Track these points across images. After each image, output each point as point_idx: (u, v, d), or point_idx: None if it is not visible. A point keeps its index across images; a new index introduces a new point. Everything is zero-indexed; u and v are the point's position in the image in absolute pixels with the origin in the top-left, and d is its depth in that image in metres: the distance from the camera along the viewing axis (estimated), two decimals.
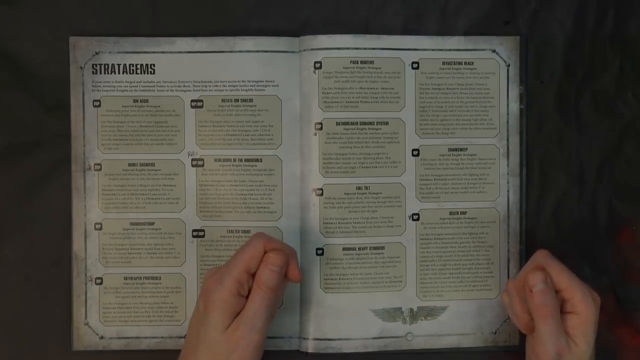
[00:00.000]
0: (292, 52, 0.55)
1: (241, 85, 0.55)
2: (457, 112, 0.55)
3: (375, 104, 0.55)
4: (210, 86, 0.55)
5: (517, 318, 0.49)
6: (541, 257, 0.49)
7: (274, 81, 0.55)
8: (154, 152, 0.55)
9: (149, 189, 0.55)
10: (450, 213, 0.55)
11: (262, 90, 0.55)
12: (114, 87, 0.55)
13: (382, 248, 0.55)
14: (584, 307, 0.47)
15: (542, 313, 0.46)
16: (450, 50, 0.55)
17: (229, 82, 0.55)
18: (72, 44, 0.55)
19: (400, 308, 0.55)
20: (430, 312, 0.55)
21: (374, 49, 0.55)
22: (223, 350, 0.46)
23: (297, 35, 0.55)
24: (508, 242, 0.56)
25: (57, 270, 0.55)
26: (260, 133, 0.55)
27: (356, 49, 0.54)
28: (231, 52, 0.55)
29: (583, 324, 0.47)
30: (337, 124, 0.54)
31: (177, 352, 0.50)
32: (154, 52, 0.55)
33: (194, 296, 0.55)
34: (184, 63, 0.55)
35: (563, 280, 0.47)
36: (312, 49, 0.54)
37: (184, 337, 0.50)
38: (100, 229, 0.55)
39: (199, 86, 0.55)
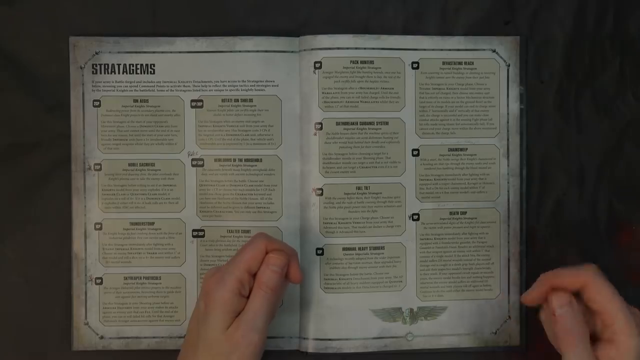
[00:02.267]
0: (292, 52, 0.55)
1: (241, 85, 0.55)
2: (457, 112, 0.55)
3: (375, 104, 0.55)
4: (210, 86, 0.55)
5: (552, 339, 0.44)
6: (586, 271, 0.43)
7: (274, 81, 0.55)
8: (154, 152, 0.55)
9: (149, 189, 0.55)
10: (450, 213, 0.55)
11: (262, 90, 0.55)
12: (114, 87, 0.55)
13: (382, 248, 0.55)
14: (624, 337, 0.41)
15: (566, 339, 0.41)
16: (450, 50, 0.55)
17: (229, 82, 0.55)
18: (72, 44, 0.55)
19: (400, 308, 0.55)
20: (430, 312, 0.55)
21: (374, 49, 0.55)
22: (223, 350, 0.46)
23: (297, 35, 0.55)
24: (508, 242, 0.56)
25: (57, 270, 0.55)
26: (260, 133, 0.55)
27: (356, 49, 0.54)
28: (231, 52, 0.55)
29: (621, 356, 0.41)
30: (337, 124, 0.54)
31: (177, 352, 0.50)
32: (154, 52, 0.55)
33: (194, 296, 0.55)
34: (184, 63, 0.55)
35: (604, 302, 0.41)
36: (312, 49, 0.54)
37: (184, 337, 0.50)
38: (100, 229, 0.55)
39: (199, 86, 0.55)
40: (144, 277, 0.55)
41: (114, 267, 0.55)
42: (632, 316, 0.41)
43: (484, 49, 0.56)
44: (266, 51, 0.55)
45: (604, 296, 0.42)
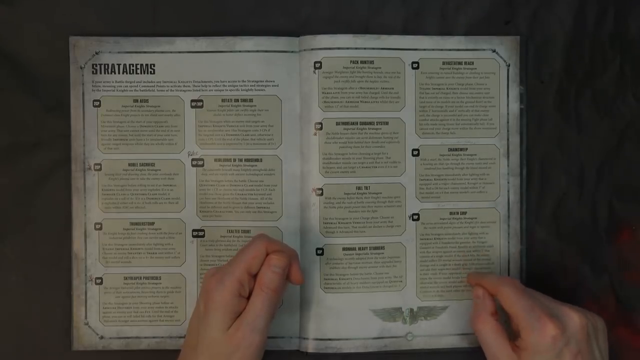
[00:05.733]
0: (292, 52, 0.55)
1: (241, 85, 0.55)
2: (457, 112, 0.55)
3: (375, 104, 0.55)
4: (210, 86, 0.55)
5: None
6: (500, 282, 0.49)
7: (274, 81, 0.55)
8: (154, 152, 0.55)
9: (149, 189, 0.55)
10: (450, 213, 0.55)
11: (262, 90, 0.55)
12: (114, 87, 0.55)
13: (382, 248, 0.55)
14: (525, 333, 0.47)
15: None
16: (450, 50, 0.55)
17: (229, 82, 0.55)
18: (72, 44, 0.55)
19: (400, 308, 0.55)
20: (430, 312, 0.55)
21: (374, 49, 0.55)
22: (224, 350, 0.46)
23: (297, 35, 0.55)
24: (508, 242, 0.56)
25: (57, 270, 0.55)
26: (260, 133, 0.55)
27: (356, 48, 0.54)
28: (231, 52, 0.55)
29: (526, 347, 0.47)
30: (337, 124, 0.54)
31: (177, 352, 0.50)
32: (154, 52, 0.55)
33: (194, 296, 0.55)
34: (184, 63, 0.55)
35: (510, 307, 0.48)
36: (312, 49, 0.54)
37: (184, 337, 0.50)
38: (100, 229, 0.55)
39: (199, 86, 0.55)
40: (144, 277, 0.55)
41: (114, 267, 0.55)
42: (540, 314, 0.46)
43: (484, 49, 0.56)
44: (266, 51, 0.55)
45: (509, 302, 0.48)
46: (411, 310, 0.55)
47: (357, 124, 0.55)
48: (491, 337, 0.48)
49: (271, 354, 0.53)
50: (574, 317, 0.47)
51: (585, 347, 0.46)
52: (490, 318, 0.49)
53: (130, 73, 0.55)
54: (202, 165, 0.55)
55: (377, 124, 0.55)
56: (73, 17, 0.55)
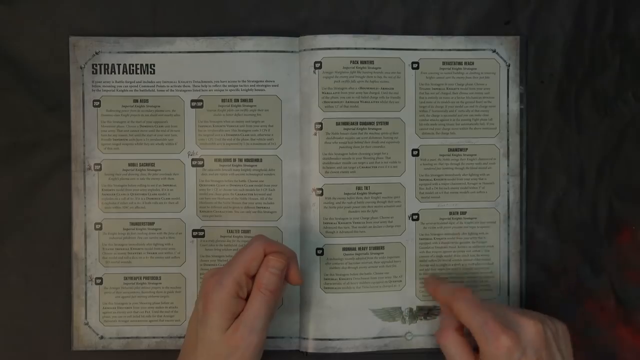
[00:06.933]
0: (292, 52, 0.55)
1: (241, 85, 0.55)
2: (457, 112, 0.55)
3: (375, 104, 0.55)
4: (210, 86, 0.55)
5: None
6: (454, 294, 0.48)
7: (274, 81, 0.55)
8: (154, 152, 0.55)
9: (149, 189, 0.55)
10: (450, 213, 0.55)
11: (262, 90, 0.55)
12: (114, 87, 0.55)
13: (382, 248, 0.55)
14: (481, 345, 0.46)
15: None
16: (450, 50, 0.55)
17: (229, 82, 0.55)
18: (72, 44, 0.55)
19: (400, 308, 0.55)
20: (429, 312, 0.55)
21: (374, 49, 0.55)
22: (222, 351, 0.46)
23: (297, 35, 0.55)
24: (508, 242, 0.56)
25: (57, 270, 0.55)
26: (260, 133, 0.55)
27: (356, 49, 0.54)
28: (231, 52, 0.55)
29: (484, 358, 0.46)
30: (337, 124, 0.54)
31: (177, 352, 0.50)
32: (154, 52, 0.55)
33: (194, 296, 0.55)
34: (184, 63, 0.55)
35: (464, 320, 0.47)
36: (312, 49, 0.54)
37: (184, 337, 0.50)
38: (100, 229, 0.55)
39: (199, 86, 0.55)
40: (144, 277, 0.55)
41: (114, 267, 0.55)
42: (493, 326, 0.46)
43: (484, 49, 0.56)
44: (266, 51, 0.55)
45: (464, 318, 0.47)
46: (410, 309, 0.55)
47: (357, 124, 0.55)
48: (454, 351, 0.48)
49: (271, 354, 0.53)
50: (529, 326, 0.46)
51: (544, 354, 0.46)
52: (454, 333, 0.48)
53: (130, 73, 0.55)
54: (202, 165, 0.55)
55: (377, 124, 0.55)
56: (73, 17, 0.55)
